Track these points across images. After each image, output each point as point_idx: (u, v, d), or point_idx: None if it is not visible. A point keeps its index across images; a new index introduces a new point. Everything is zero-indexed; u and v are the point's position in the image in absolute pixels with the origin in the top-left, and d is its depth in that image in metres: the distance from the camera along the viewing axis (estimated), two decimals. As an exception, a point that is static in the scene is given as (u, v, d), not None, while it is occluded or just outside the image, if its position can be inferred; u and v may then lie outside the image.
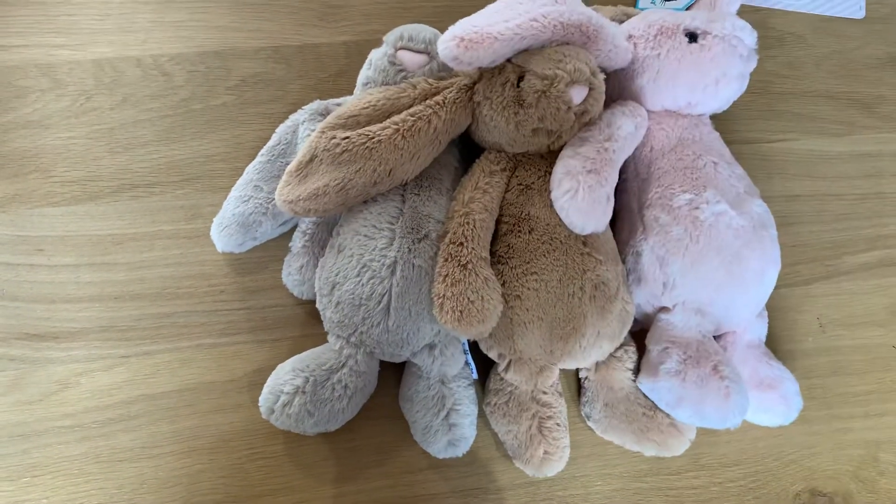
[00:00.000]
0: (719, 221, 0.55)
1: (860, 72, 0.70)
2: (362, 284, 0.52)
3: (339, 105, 0.61)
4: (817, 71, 0.69)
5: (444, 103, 0.54)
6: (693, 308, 0.56)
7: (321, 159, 0.52)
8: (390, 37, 0.56)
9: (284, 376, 0.53)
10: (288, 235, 0.60)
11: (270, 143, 0.60)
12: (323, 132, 0.53)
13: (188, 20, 0.66)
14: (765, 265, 0.57)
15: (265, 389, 0.53)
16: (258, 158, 0.60)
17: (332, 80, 0.65)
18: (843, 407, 0.62)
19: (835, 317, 0.64)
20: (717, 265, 0.55)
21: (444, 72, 0.57)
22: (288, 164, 0.58)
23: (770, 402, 0.57)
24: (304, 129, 0.59)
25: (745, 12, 0.69)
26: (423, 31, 0.55)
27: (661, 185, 0.57)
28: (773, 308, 0.62)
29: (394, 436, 0.59)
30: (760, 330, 0.60)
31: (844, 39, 0.70)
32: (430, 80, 0.54)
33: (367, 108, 0.53)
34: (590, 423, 0.58)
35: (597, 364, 0.57)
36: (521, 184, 0.56)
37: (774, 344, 0.62)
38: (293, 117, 0.61)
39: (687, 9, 0.66)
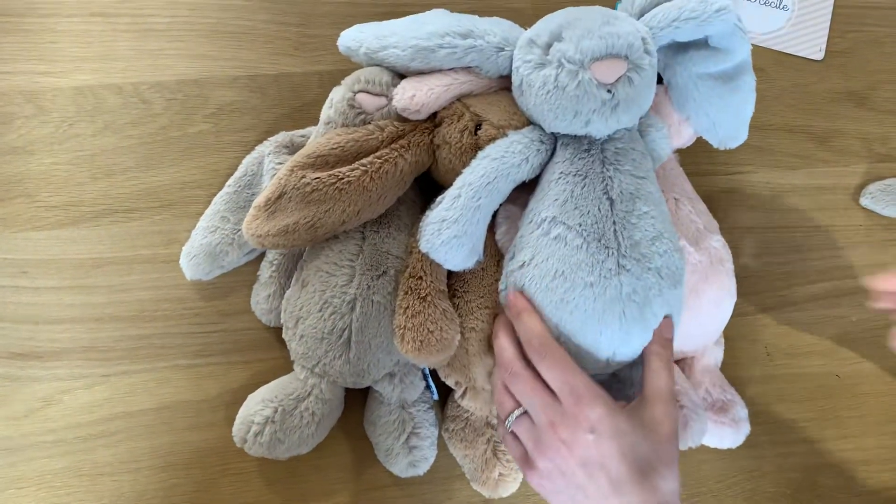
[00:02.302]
0: None
1: (819, 105, 0.72)
2: (324, 320, 0.55)
3: (303, 137, 0.64)
4: (777, 104, 0.71)
5: (409, 146, 0.56)
6: None
7: (290, 197, 0.54)
8: (349, 80, 0.58)
9: (254, 407, 0.56)
10: (258, 260, 0.63)
11: (237, 173, 0.63)
12: (292, 171, 0.55)
13: (167, 48, 0.68)
14: (721, 297, 0.60)
15: (237, 420, 0.57)
16: (225, 189, 0.63)
17: (306, 110, 0.68)
18: (787, 433, 0.65)
19: (781, 346, 0.67)
20: None
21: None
22: (254, 195, 0.62)
23: (720, 425, 0.60)
24: (268, 161, 0.62)
25: (709, 44, 0.70)
26: (381, 74, 0.57)
27: None
28: (724, 336, 0.65)
29: (359, 454, 0.62)
30: (717, 355, 0.63)
31: (805, 73, 0.72)
32: (395, 123, 0.57)
33: (335, 148, 0.55)
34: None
35: None
36: None
37: (724, 370, 0.65)
38: (259, 149, 0.64)
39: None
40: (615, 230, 0.52)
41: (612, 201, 0.53)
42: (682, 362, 0.62)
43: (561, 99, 0.51)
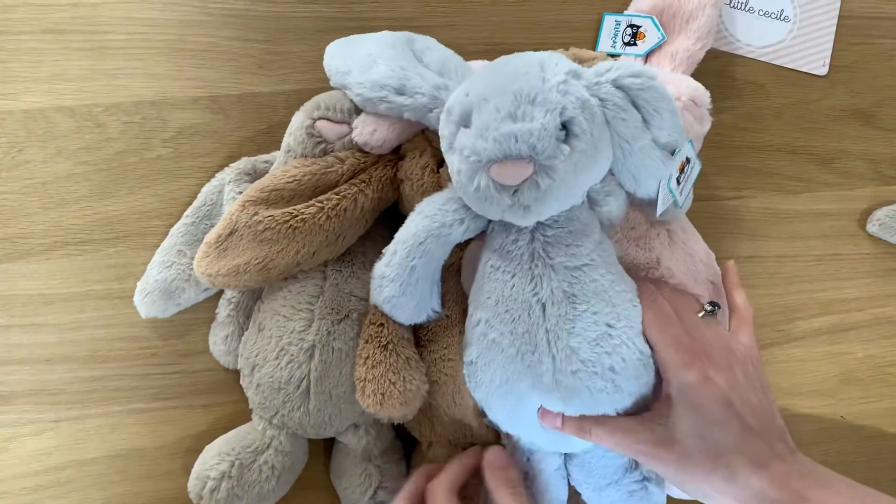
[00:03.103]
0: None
1: (822, 124, 0.67)
2: (281, 368, 0.51)
3: (266, 163, 0.59)
4: (777, 123, 0.67)
5: (370, 181, 0.52)
6: None
7: (241, 235, 0.50)
8: (308, 105, 0.54)
9: (210, 461, 0.52)
10: (218, 297, 0.59)
11: (196, 203, 0.59)
12: (244, 206, 0.51)
13: (124, 67, 0.63)
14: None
15: (192, 475, 0.53)
16: (182, 220, 0.59)
17: (272, 132, 0.63)
18: (787, 479, 0.61)
19: (782, 385, 0.63)
20: None
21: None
22: (213, 227, 0.57)
23: None
24: (229, 190, 0.58)
25: (706, 59, 0.66)
26: (341, 100, 0.53)
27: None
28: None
29: (326, 505, 0.58)
30: None
31: (807, 89, 0.67)
32: (357, 155, 0.52)
33: (291, 182, 0.51)
34: None
35: None
36: None
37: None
38: (219, 176, 0.60)
39: (647, 55, 0.63)
40: (548, 339, 0.47)
41: (543, 305, 0.47)
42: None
43: (465, 193, 0.46)
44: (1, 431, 0.58)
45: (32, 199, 0.61)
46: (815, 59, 0.66)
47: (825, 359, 0.64)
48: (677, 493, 0.55)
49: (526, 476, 0.53)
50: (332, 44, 0.55)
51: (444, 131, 0.47)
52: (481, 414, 0.53)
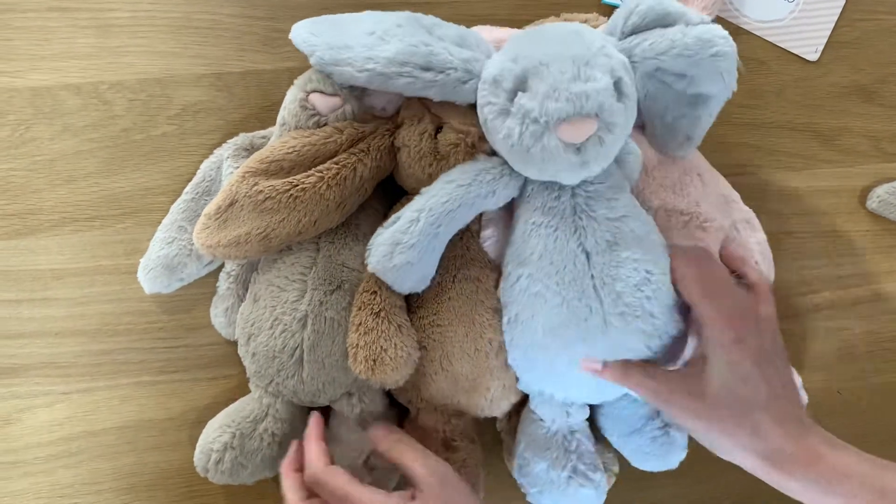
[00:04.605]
0: (719, 235, 0.56)
1: (824, 101, 0.67)
2: (275, 337, 0.52)
3: (263, 138, 0.60)
4: (778, 100, 0.67)
5: (369, 150, 0.53)
6: None
7: (242, 205, 0.51)
8: (301, 79, 0.54)
9: (212, 434, 0.54)
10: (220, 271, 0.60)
11: (195, 179, 0.60)
12: (244, 177, 0.52)
13: (129, 45, 0.64)
14: (764, 269, 0.58)
15: (197, 449, 0.54)
16: (182, 196, 0.60)
17: (275, 109, 0.63)
18: (783, 452, 0.62)
19: (780, 360, 0.63)
20: None
21: (366, 114, 0.55)
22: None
23: None
24: (227, 166, 0.58)
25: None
26: None
27: (650, 208, 0.56)
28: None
29: (330, 474, 0.59)
30: None
31: (809, 66, 0.67)
32: (355, 125, 0.53)
33: (290, 153, 0.52)
34: (520, 481, 0.58)
35: (510, 413, 0.58)
36: None
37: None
38: (217, 152, 0.60)
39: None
40: (594, 286, 0.50)
41: (588, 254, 0.50)
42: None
43: (525, 156, 0.47)
44: (14, 403, 0.59)
45: (40, 175, 0.62)
46: (809, 43, 0.66)
47: (823, 335, 0.64)
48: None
49: (557, 432, 0.56)
50: (302, 23, 0.54)
51: (489, 99, 0.48)
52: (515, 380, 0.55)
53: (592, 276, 0.50)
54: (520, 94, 0.46)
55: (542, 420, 0.55)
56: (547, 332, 0.50)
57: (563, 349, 0.51)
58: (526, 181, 0.52)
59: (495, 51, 0.51)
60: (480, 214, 0.54)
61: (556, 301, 0.50)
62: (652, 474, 0.60)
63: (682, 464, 0.58)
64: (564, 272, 0.50)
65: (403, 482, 0.57)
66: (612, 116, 0.46)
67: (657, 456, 0.56)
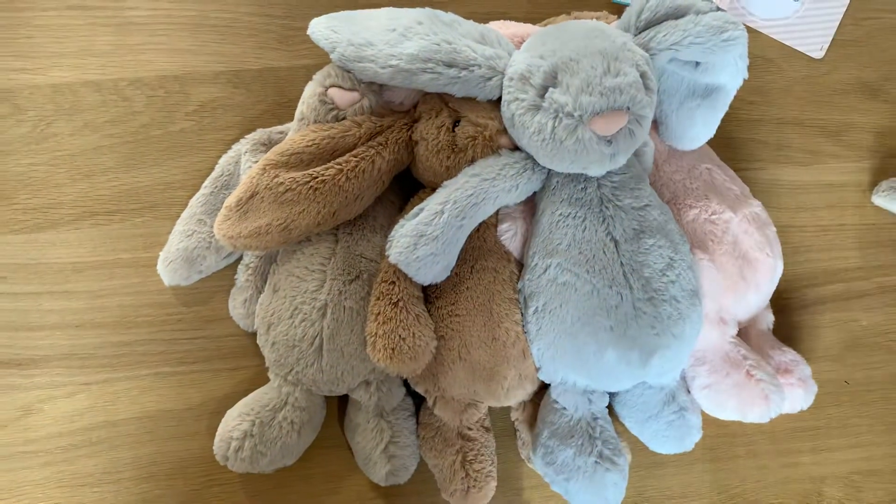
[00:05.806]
0: (729, 230, 0.57)
1: (830, 98, 0.68)
2: (295, 326, 0.53)
3: (281, 133, 0.61)
4: (785, 97, 0.68)
5: (387, 143, 0.54)
6: (716, 318, 0.57)
7: (262, 197, 0.52)
8: (320, 74, 0.55)
9: (232, 422, 0.54)
10: (238, 264, 0.61)
11: (213, 174, 0.61)
12: (265, 169, 0.53)
13: (147, 43, 0.65)
14: (774, 262, 0.59)
15: (217, 438, 0.55)
16: (201, 190, 0.61)
17: (291, 106, 0.64)
18: (792, 441, 0.63)
19: (789, 351, 0.64)
20: (734, 271, 0.57)
21: (384, 108, 0.57)
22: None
23: (790, 388, 0.58)
24: (245, 160, 0.59)
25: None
26: None
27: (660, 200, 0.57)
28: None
29: (345, 463, 0.60)
30: (768, 317, 0.62)
31: (815, 63, 0.68)
32: (373, 119, 0.54)
33: (310, 146, 0.53)
34: (534, 467, 0.59)
35: (524, 403, 0.59)
36: None
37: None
38: (235, 147, 0.62)
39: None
40: (624, 272, 0.52)
41: (616, 242, 0.52)
42: (739, 333, 0.60)
43: (557, 149, 0.49)
44: (35, 393, 0.60)
45: (61, 170, 0.63)
46: (814, 42, 0.68)
47: (830, 326, 0.65)
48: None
49: (580, 419, 0.56)
50: (319, 19, 0.55)
51: (516, 95, 0.49)
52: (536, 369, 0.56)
53: (622, 263, 0.51)
54: (551, 89, 0.47)
55: (564, 409, 0.56)
56: (576, 321, 0.51)
57: (591, 337, 0.52)
58: (550, 174, 0.53)
59: (516, 48, 0.52)
60: None
61: (587, 289, 0.51)
62: (662, 462, 0.61)
63: (691, 452, 0.58)
64: (594, 261, 0.51)
65: (421, 469, 0.58)
66: (642, 109, 0.48)
67: (674, 439, 0.57)
